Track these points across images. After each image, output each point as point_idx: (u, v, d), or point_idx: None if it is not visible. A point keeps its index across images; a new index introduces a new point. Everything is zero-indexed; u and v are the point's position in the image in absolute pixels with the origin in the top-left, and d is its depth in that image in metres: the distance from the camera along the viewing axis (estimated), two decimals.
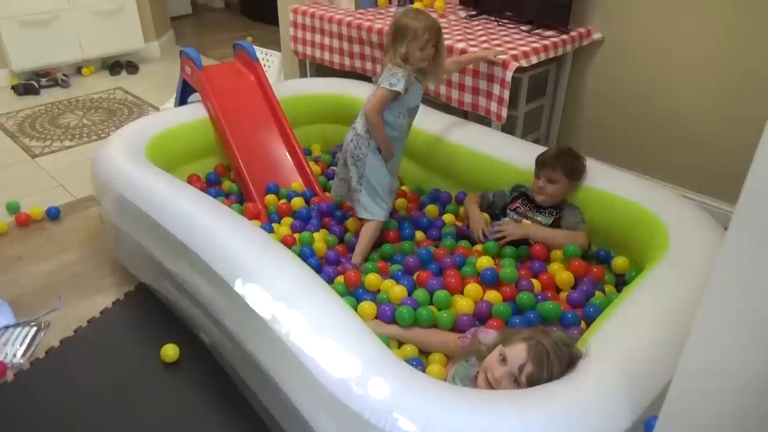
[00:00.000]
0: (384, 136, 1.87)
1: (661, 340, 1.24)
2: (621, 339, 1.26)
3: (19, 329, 1.83)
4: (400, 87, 1.77)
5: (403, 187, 2.35)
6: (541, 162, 1.89)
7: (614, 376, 1.15)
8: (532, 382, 1.17)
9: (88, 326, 1.86)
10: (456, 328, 1.57)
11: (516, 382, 1.19)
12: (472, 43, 2.33)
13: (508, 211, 1.96)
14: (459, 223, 2.11)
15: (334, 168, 2.50)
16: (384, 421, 1.06)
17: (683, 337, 1.25)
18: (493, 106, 2.27)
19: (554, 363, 1.18)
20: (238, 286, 1.41)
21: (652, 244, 1.65)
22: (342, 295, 1.66)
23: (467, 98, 2.35)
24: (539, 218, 1.90)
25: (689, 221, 1.66)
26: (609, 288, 1.72)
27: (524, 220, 1.90)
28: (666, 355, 1.20)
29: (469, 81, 2.30)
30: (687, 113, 2.37)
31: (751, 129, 0.53)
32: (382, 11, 2.87)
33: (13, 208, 2.45)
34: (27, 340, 1.79)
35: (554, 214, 1.88)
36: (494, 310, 1.59)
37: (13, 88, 3.79)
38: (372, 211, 1.90)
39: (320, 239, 1.99)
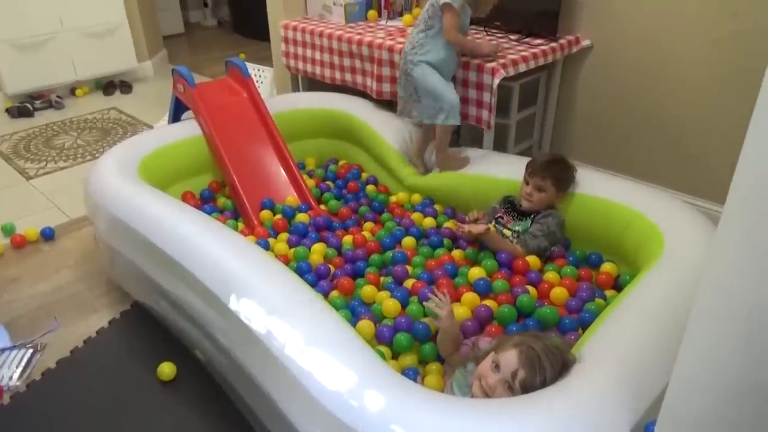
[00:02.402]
0: (473, 42, 2.27)
1: (657, 344, 1.24)
2: (616, 343, 1.26)
3: (15, 351, 1.82)
4: (456, 4, 2.05)
5: (393, 197, 2.36)
6: (531, 169, 1.89)
7: (610, 381, 1.15)
8: (526, 387, 1.17)
9: (84, 346, 1.86)
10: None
11: (510, 389, 1.18)
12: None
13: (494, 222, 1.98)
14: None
15: (328, 183, 2.51)
16: None
17: (678, 340, 1.26)
18: (484, 115, 2.28)
19: (547, 367, 1.17)
20: (233, 302, 1.40)
21: (647, 247, 1.65)
22: (337, 308, 1.66)
23: None
24: (517, 227, 1.90)
25: (684, 224, 1.67)
26: (611, 293, 1.71)
27: (490, 226, 1.90)
28: (662, 358, 1.19)
29: (458, 90, 2.31)
30: (677, 116, 2.39)
31: (742, 132, 0.54)
32: (372, 25, 2.89)
33: (8, 230, 2.45)
34: (23, 363, 1.78)
35: (531, 219, 1.89)
36: (498, 313, 1.59)
37: (7, 110, 3.80)
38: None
39: (318, 252, 1.99)
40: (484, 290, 1.67)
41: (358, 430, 1.07)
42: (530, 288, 1.68)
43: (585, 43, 2.55)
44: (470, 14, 2.19)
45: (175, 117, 2.66)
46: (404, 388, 1.15)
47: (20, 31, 3.72)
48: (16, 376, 1.73)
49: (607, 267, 1.79)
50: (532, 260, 1.80)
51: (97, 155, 3.20)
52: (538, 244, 1.81)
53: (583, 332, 1.47)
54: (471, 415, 1.08)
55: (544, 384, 1.17)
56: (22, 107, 3.78)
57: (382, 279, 1.86)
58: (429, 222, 2.15)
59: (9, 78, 3.79)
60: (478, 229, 1.82)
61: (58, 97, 3.97)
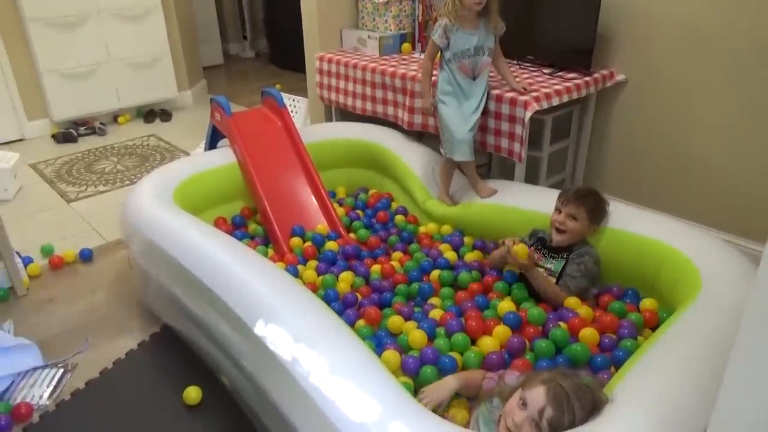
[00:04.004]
0: (425, 81, 2.27)
1: (694, 386, 1.19)
2: (652, 384, 1.21)
3: (46, 371, 1.85)
4: (435, 36, 2.14)
5: (422, 228, 2.35)
6: (564, 197, 1.86)
7: (645, 424, 1.10)
8: (554, 427, 1.13)
9: (114, 368, 1.88)
10: (484, 367, 1.53)
11: (537, 427, 1.14)
12: (494, 83, 2.35)
13: None
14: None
15: (358, 211, 2.52)
16: None
17: (717, 382, 1.21)
18: (516, 147, 2.27)
19: (576, 406, 1.13)
20: (259, 328, 1.41)
21: (684, 285, 1.60)
22: (363, 338, 1.65)
23: (490, 140, 2.36)
24: (549, 265, 1.86)
25: (721, 261, 1.61)
26: (648, 333, 1.66)
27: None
28: (700, 401, 1.15)
29: (491, 123, 2.32)
30: (713, 152, 2.34)
31: None
32: (406, 57, 2.94)
33: (47, 252, 2.52)
34: (54, 382, 1.81)
35: (565, 257, 1.84)
36: (536, 346, 1.55)
37: (53, 136, 3.96)
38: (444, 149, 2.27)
39: (346, 281, 1.98)
40: (514, 324, 1.64)
41: None
42: (562, 325, 1.64)
43: (619, 77, 2.54)
44: (471, 36, 2.12)
45: (212, 144, 2.73)
46: (430, 422, 1.13)
47: (69, 62, 3.90)
48: (46, 395, 1.76)
49: (647, 303, 1.73)
50: (574, 302, 1.74)
51: (135, 180, 3.29)
52: (579, 284, 1.77)
53: (616, 371, 1.43)
54: None
55: (573, 424, 1.13)
56: (67, 133, 3.93)
57: (415, 309, 1.84)
58: (457, 254, 2.13)
59: (56, 105, 3.96)
60: (523, 258, 1.75)
61: (101, 123, 4.12)
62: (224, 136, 2.58)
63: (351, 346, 1.35)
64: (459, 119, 2.19)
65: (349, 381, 1.23)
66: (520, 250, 1.74)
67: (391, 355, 1.57)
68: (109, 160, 3.65)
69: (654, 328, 1.67)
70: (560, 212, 1.85)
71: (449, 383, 1.42)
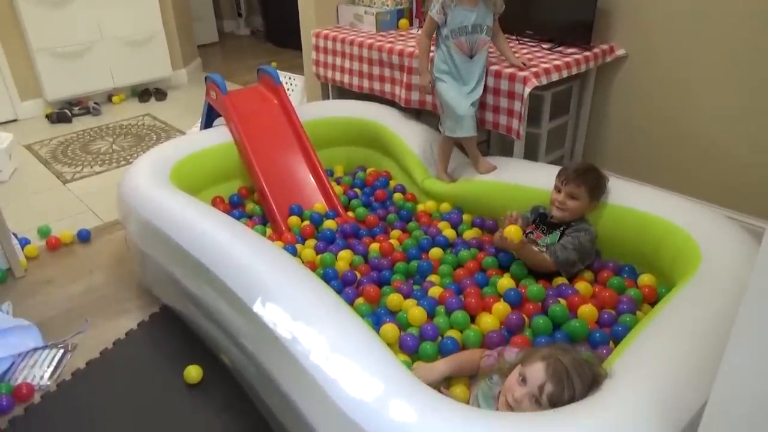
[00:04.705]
0: (423, 59, 2.22)
1: (693, 361, 1.19)
2: (651, 359, 1.21)
3: (46, 351, 1.85)
4: (433, 11, 2.10)
5: (420, 206, 2.34)
6: (564, 176, 1.85)
7: (644, 398, 1.10)
8: (554, 402, 1.14)
9: (114, 348, 1.88)
10: (484, 345, 1.53)
11: (537, 403, 1.15)
12: (493, 60, 2.32)
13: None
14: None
15: (356, 190, 2.51)
16: None
17: (717, 357, 1.21)
18: (515, 124, 2.25)
19: (575, 382, 1.14)
20: (258, 307, 1.40)
21: (683, 260, 1.60)
22: (363, 316, 1.65)
23: (488, 117, 2.34)
24: (547, 240, 1.85)
25: (721, 236, 1.61)
26: (646, 308, 1.66)
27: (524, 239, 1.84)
28: (699, 376, 1.15)
29: (490, 99, 2.29)
30: (714, 128, 2.32)
31: None
32: (403, 33, 2.90)
33: (44, 233, 2.51)
34: (54, 362, 1.82)
35: (562, 231, 1.84)
36: (533, 323, 1.55)
37: (47, 116, 3.92)
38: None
39: (344, 259, 1.98)
40: (514, 300, 1.64)
41: None
42: (561, 301, 1.64)
43: (620, 52, 2.51)
44: (469, 13, 2.08)
45: (208, 123, 2.70)
46: (431, 399, 1.13)
47: (61, 40, 3.84)
48: (47, 375, 1.77)
49: (645, 279, 1.73)
50: (560, 279, 1.76)
51: (131, 160, 3.27)
52: (568, 256, 1.77)
53: (615, 347, 1.43)
54: (498, 429, 1.05)
55: (572, 399, 1.14)
56: (61, 113, 3.89)
57: (414, 287, 1.84)
58: (456, 231, 2.13)
59: (49, 85, 3.91)
60: (513, 239, 1.70)
61: (95, 103, 4.07)
62: (220, 115, 2.56)
63: (351, 324, 1.35)
64: (458, 95, 2.17)
65: (349, 359, 1.23)
66: (513, 232, 1.69)
67: (390, 328, 1.57)
68: (105, 140, 3.62)
69: (653, 304, 1.68)
70: (560, 191, 1.83)
71: (439, 367, 1.42)
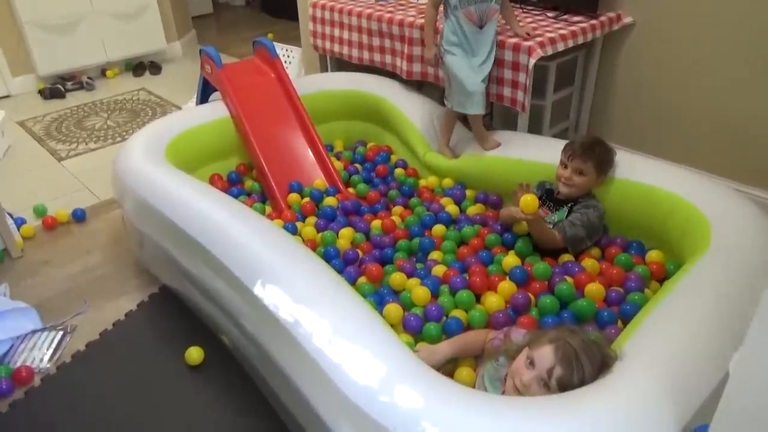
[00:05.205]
0: (428, 31, 2.17)
1: (706, 341, 1.16)
2: (662, 339, 1.19)
3: (45, 333, 1.83)
4: None
5: (422, 181, 2.30)
6: (570, 151, 1.79)
7: (655, 380, 1.08)
8: (563, 386, 1.11)
9: (113, 329, 1.86)
10: (490, 325, 1.51)
11: (546, 387, 1.12)
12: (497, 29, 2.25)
13: None
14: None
15: (356, 165, 2.46)
16: None
17: (731, 337, 1.18)
18: (519, 96, 2.19)
19: (585, 364, 1.11)
20: (258, 289, 1.37)
21: (693, 236, 1.56)
22: (365, 295, 1.62)
23: (492, 89, 2.27)
24: (554, 217, 1.81)
25: (732, 211, 1.57)
26: (654, 286, 1.62)
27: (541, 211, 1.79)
28: (712, 357, 1.13)
29: (493, 71, 2.22)
30: (725, 98, 2.25)
31: None
32: (403, 2, 2.80)
33: (40, 212, 2.47)
34: (54, 345, 1.79)
35: (570, 208, 1.80)
36: (540, 303, 1.52)
37: (39, 92, 3.84)
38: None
39: (346, 237, 1.94)
40: (520, 279, 1.61)
41: (386, 425, 1.03)
42: (567, 279, 1.60)
43: (627, 20, 2.43)
44: None
45: (203, 98, 2.64)
46: (436, 383, 1.10)
47: (50, 12, 3.73)
48: (46, 358, 1.74)
49: (653, 255, 1.69)
50: (566, 256, 1.73)
51: (126, 136, 3.21)
52: (576, 233, 1.73)
53: (624, 326, 1.40)
54: (505, 414, 1.03)
55: (582, 382, 1.11)
56: (54, 88, 3.81)
57: (418, 266, 1.80)
58: (459, 207, 2.09)
59: (40, 59, 3.82)
60: (529, 210, 1.61)
61: (89, 78, 3.99)
62: (216, 89, 2.49)
63: (353, 305, 1.32)
64: (469, 69, 2.09)
65: (352, 342, 1.20)
66: (530, 202, 1.61)
67: (393, 308, 1.54)
68: (99, 116, 3.55)
69: (661, 281, 1.65)
70: (566, 167, 1.79)
71: (443, 349, 1.40)
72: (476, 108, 2.12)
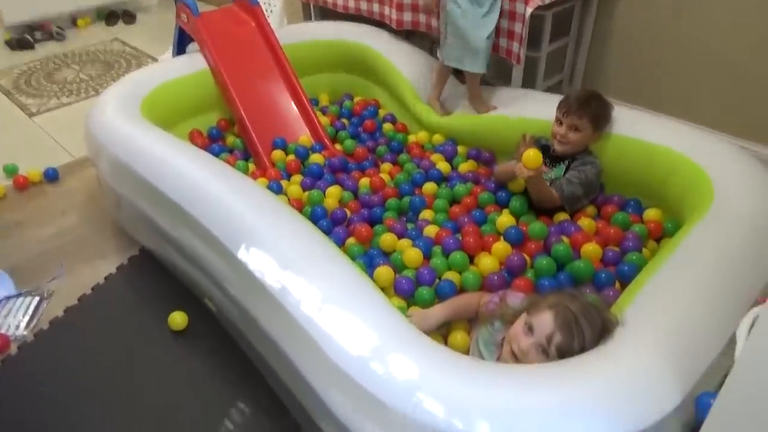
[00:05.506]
0: None
1: (711, 304, 1.12)
2: (663, 303, 1.14)
3: (21, 299, 1.76)
4: None
5: (412, 137, 2.21)
6: (565, 107, 1.71)
7: (658, 347, 1.04)
8: (563, 352, 1.07)
9: (92, 294, 1.79)
10: (484, 288, 1.46)
11: (545, 354, 1.08)
12: None
13: None
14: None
15: (343, 120, 2.36)
16: (405, 404, 0.96)
17: (735, 300, 1.14)
18: (515, 47, 2.09)
19: (585, 330, 1.07)
20: (242, 254, 1.30)
21: (694, 195, 1.50)
22: (354, 257, 1.56)
23: None
24: (551, 174, 1.75)
25: (735, 169, 1.51)
26: (652, 245, 1.58)
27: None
28: (717, 320, 1.09)
29: None
30: (730, 49, 2.17)
31: None
32: None
33: (10, 171, 2.35)
34: (30, 311, 1.72)
35: (567, 164, 1.73)
36: (536, 264, 1.47)
37: (6, 43, 3.65)
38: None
39: (333, 196, 1.87)
40: (515, 239, 1.55)
41: (382, 398, 0.98)
42: (564, 239, 1.55)
43: None
44: None
45: (180, 49, 2.50)
46: (431, 352, 1.06)
47: None
48: (23, 325, 1.67)
49: (651, 214, 1.64)
50: (561, 215, 1.68)
51: (100, 90, 3.05)
52: (573, 191, 1.66)
53: (622, 287, 1.36)
54: (504, 384, 0.99)
55: (582, 349, 1.07)
56: (22, 39, 3.62)
57: (408, 226, 1.74)
58: (450, 164, 2.01)
59: (6, 7, 3.60)
60: (532, 165, 1.52)
61: (59, 27, 3.79)
62: (193, 39, 2.35)
63: (343, 271, 1.26)
64: (474, 23, 1.95)
65: (341, 309, 1.14)
66: (533, 158, 1.51)
67: (384, 271, 1.48)
68: (71, 68, 3.37)
69: (658, 240, 1.60)
70: (561, 123, 1.71)
71: (436, 313, 1.35)
72: (478, 66, 2.00)
